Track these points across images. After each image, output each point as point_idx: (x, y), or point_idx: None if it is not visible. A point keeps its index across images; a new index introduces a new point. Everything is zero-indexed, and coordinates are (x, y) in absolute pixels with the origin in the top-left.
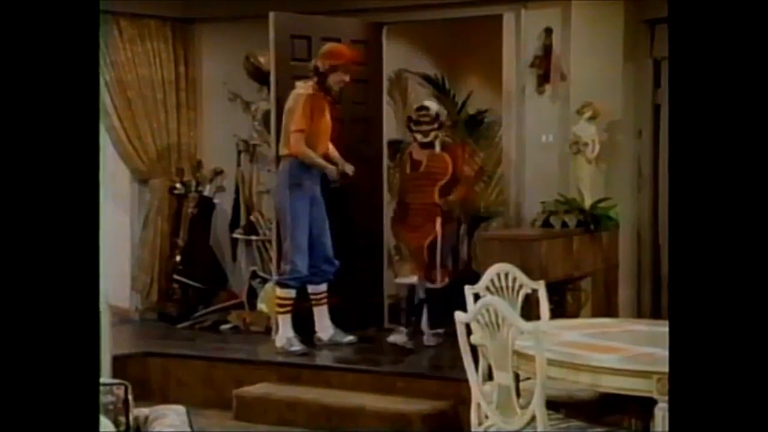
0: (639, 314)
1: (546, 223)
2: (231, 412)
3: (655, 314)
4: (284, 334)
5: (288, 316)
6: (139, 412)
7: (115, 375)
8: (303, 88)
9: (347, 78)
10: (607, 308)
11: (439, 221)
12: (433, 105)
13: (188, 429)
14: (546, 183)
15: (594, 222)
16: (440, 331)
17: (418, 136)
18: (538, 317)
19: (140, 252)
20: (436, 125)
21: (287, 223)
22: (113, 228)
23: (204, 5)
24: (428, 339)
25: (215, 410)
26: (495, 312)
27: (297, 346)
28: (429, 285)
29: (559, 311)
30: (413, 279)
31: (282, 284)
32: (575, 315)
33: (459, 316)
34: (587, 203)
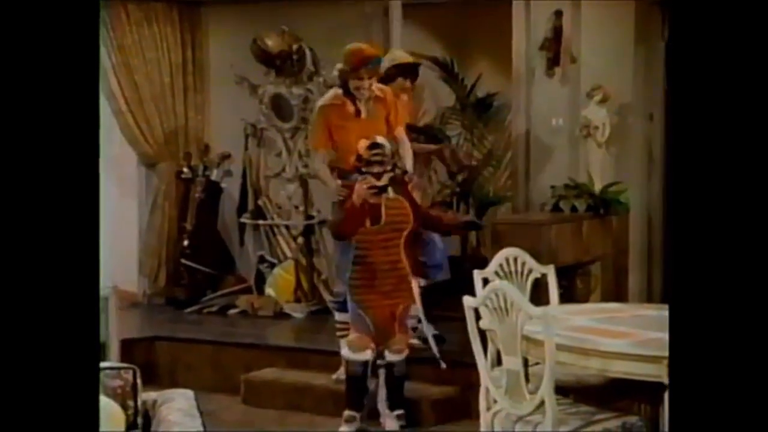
0: (649, 299)
1: (556, 208)
2: (239, 396)
3: (666, 299)
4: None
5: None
6: (147, 396)
7: (123, 359)
8: (324, 98)
9: (365, 83)
10: (616, 293)
11: (415, 284)
12: (386, 142)
13: (196, 413)
14: (556, 167)
15: (604, 206)
16: (401, 412)
17: (371, 180)
18: (547, 302)
19: (148, 236)
20: (389, 166)
21: (335, 242)
22: (120, 212)
23: None
24: (390, 423)
25: (223, 394)
26: (504, 297)
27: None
28: (392, 357)
29: (568, 296)
30: (367, 354)
31: (335, 308)
32: (585, 300)
33: (468, 300)
34: (597, 187)
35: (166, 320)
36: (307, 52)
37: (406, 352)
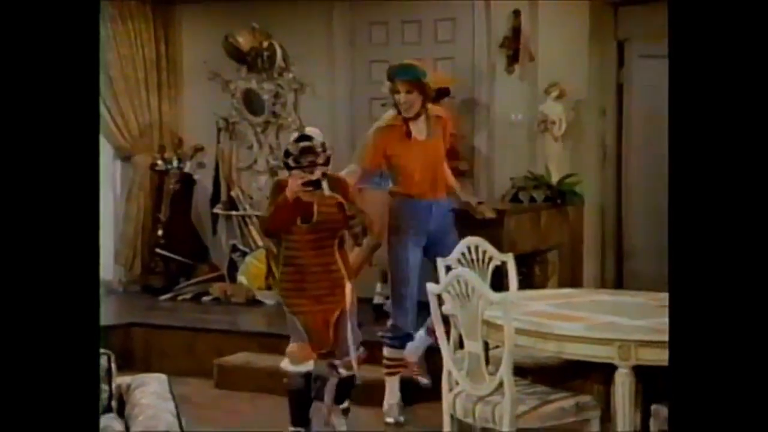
0: (603, 285)
1: (515, 199)
2: (212, 380)
3: (618, 285)
4: (388, 399)
5: (393, 379)
6: (121, 380)
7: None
8: (381, 120)
9: (402, 96)
10: (572, 279)
11: (349, 287)
12: (317, 133)
13: (169, 396)
14: (515, 160)
15: (560, 197)
16: (347, 406)
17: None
18: (506, 288)
19: (123, 227)
20: (321, 160)
21: (389, 271)
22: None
23: None
24: (338, 420)
25: (197, 379)
26: (465, 283)
27: (393, 417)
28: (345, 372)
29: (527, 282)
30: (309, 366)
31: (386, 343)
32: (543, 286)
33: (431, 287)
34: (554, 179)
35: (141, 307)
36: (278, 49)
37: (355, 369)
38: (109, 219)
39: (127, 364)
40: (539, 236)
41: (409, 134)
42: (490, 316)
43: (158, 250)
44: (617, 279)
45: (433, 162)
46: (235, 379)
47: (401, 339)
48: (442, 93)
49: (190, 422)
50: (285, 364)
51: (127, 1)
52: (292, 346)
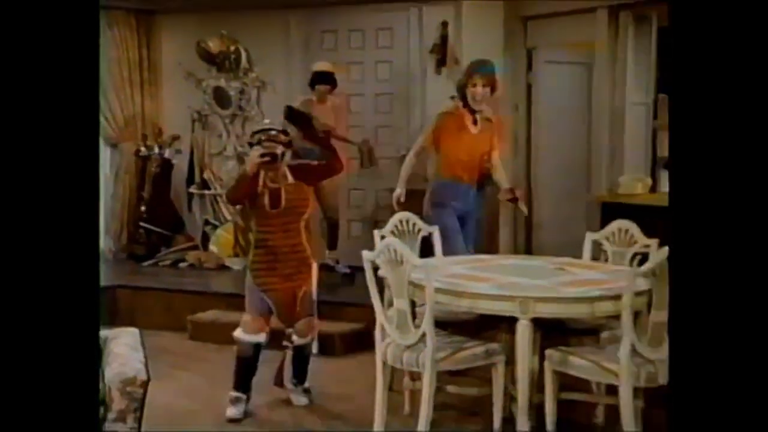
0: (515, 251)
1: None
2: (186, 333)
3: (528, 251)
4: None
5: None
6: (101, 333)
7: None
8: (445, 107)
9: (479, 89)
10: (490, 247)
11: (314, 267)
12: (276, 125)
13: (140, 347)
14: None
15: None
16: (308, 386)
17: (262, 148)
18: (433, 254)
19: (112, 204)
20: (281, 140)
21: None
22: None
23: (164, 0)
24: (298, 398)
25: (173, 332)
26: (395, 251)
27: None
28: (300, 341)
29: None
30: (261, 337)
31: None
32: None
33: (366, 254)
34: None
35: (127, 272)
36: (243, 52)
37: (312, 336)
38: (100, 197)
39: (113, 321)
40: None
41: (462, 125)
42: (415, 278)
43: (142, 224)
44: (527, 246)
45: (476, 154)
46: (206, 332)
47: None
48: (322, 78)
49: (168, 367)
50: (238, 333)
51: (114, 11)
52: (246, 317)
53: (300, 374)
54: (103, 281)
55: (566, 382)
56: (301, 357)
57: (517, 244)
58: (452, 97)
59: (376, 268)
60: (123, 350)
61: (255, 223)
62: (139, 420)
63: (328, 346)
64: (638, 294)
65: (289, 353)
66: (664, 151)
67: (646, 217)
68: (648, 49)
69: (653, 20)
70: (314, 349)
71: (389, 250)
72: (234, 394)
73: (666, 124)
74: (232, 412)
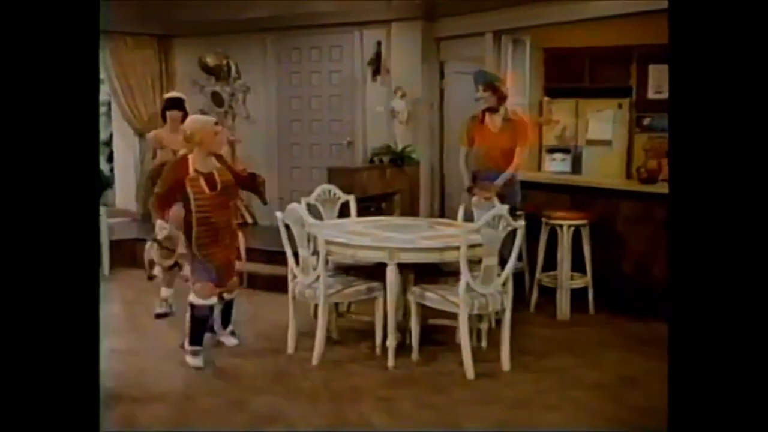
0: (431, 215)
1: (372, 162)
2: None
3: (441, 214)
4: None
5: None
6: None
7: (115, 253)
8: (475, 111)
9: (485, 94)
10: (412, 212)
11: (241, 236)
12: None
13: None
14: (377, 136)
15: (401, 160)
16: (233, 329)
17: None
18: (350, 216)
19: (141, 176)
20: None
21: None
22: (126, 162)
23: (177, 28)
24: (229, 339)
25: None
26: (297, 212)
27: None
28: (229, 296)
29: (379, 212)
30: (213, 300)
31: None
32: (390, 215)
33: (278, 215)
34: (399, 149)
35: (149, 229)
36: (232, 65)
37: (237, 290)
38: (132, 171)
39: (135, 264)
40: (385, 184)
41: (482, 122)
42: (313, 232)
43: None
44: (441, 211)
45: (499, 147)
46: None
47: None
48: (173, 103)
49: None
50: (193, 298)
51: (142, 36)
52: (197, 286)
53: (227, 319)
54: (129, 235)
55: (439, 312)
56: (228, 308)
57: (433, 210)
58: (477, 99)
59: (287, 225)
60: None
61: (195, 204)
62: None
63: (253, 283)
64: (471, 246)
65: (218, 307)
66: (547, 140)
67: (530, 189)
68: (522, 63)
69: (527, 42)
70: (234, 338)
71: (293, 212)
72: (194, 347)
73: (548, 119)
74: (197, 362)
